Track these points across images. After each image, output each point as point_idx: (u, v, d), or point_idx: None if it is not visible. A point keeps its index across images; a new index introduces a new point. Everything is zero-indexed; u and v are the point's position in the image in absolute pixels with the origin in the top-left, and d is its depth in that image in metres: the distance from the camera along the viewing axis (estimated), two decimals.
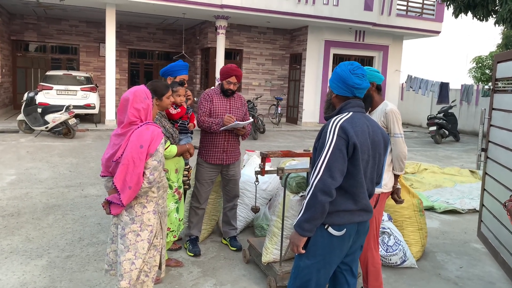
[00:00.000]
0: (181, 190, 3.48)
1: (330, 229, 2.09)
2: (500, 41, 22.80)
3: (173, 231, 3.38)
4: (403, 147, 2.93)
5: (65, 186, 5.99)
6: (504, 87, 4.14)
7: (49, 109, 10.17)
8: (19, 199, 5.28)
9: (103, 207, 2.49)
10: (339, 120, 2.07)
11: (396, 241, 3.81)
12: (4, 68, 14.78)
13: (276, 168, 2.94)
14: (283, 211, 3.23)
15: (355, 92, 2.18)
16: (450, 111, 13.64)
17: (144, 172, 2.35)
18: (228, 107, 3.82)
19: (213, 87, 3.93)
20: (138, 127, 2.40)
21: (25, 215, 4.72)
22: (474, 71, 24.16)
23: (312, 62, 15.48)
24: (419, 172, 7.88)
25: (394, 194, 3.08)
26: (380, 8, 15.13)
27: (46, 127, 9.99)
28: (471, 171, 8.02)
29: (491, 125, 4.31)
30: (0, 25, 14.14)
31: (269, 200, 4.58)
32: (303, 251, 2.13)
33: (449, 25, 52.41)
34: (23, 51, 16.86)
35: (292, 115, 16.52)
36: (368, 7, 14.70)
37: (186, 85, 3.86)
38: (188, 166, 3.66)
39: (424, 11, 16.51)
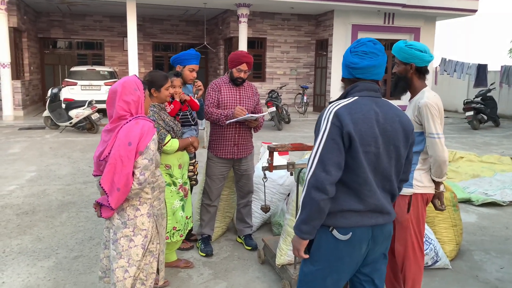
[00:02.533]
0: (187, 187, 3.25)
1: (335, 232, 1.80)
2: None
3: (179, 230, 3.15)
4: (440, 150, 2.40)
5: (82, 182, 5.92)
6: None
7: (72, 104, 10.22)
8: (36, 196, 5.23)
9: (95, 209, 2.28)
10: (335, 106, 1.77)
11: (426, 239, 3.44)
12: (32, 65, 15.07)
13: (286, 163, 2.65)
14: (296, 208, 2.94)
15: (353, 73, 1.86)
16: (488, 94, 12.81)
17: (133, 172, 2.12)
18: (238, 97, 3.54)
19: (221, 76, 3.65)
20: (127, 122, 2.17)
21: (39, 213, 4.64)
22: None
23: (339, 48, 14.89)
24: (454, 161, 7.36)
25: (436, 198, 2.63)
26: None
27: (70, 123, 10.05)
28: None
29: None
30: (27, 24, 14.39)
31: (288, 195, 4.29)
32: (306, 256, 1.86)
33: (486, 3, 49.63)
34: (51, 48, 17.15)
35: (319, 103, 16.05)
36: None
37: (195, 75, 3.61)
38: (194, 160, 3.42)
39: None
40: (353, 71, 1.85)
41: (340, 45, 14.89)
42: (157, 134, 2.89)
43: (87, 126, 10.16)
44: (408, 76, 2.52)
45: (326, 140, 1.71)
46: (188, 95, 3.33)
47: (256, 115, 3.38)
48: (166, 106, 3.14)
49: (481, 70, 13.86)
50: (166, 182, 3.06)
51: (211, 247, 3.65)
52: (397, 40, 16.06)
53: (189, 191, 3.31)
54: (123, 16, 16.03)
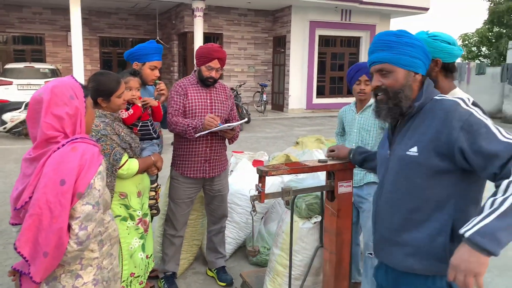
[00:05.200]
0: (148, 219, 2.55)
1: None
2: (487, 17, 22.19)
3: (138, 276, 2.46)
4: None
5: None
6: None
7: (7, 107, 9.00)
8: None
9: (12, 278, 1.55)
10: (469, 101, 1.42)
11: None
12: None
13: (281, 190, 2.04)
14: (291, 243, 2.34)
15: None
16: None
17: (69, 226, 1.42)
18: (208, 101, 2.87)
19: (187, 76, 2.97)
20: (59, 148, 1.46)
21: None
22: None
23: (297, 44, 14.51)
24: None
25: None
26: None
27: (4, 128, 8.83)
28: None
29: None
30: None
31: (265, 214, 3.69)
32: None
33: (437, 2, 51.90)
34: None
35: (278, 102, 15.60)
36: None
37: (158, 74, 2.91)
38: (156, 184, 2.72)
39: None
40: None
41: (298, 42, 14.52)
42: (111, 153, 2.18)
43: (24, 131, 8.95)
44: (433, 75, 2.00)
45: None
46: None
47: (233, 123, 2.73)
48: (122, 111, 2.43)
49: None
50: (121, 216, 2.36)
51: (177, 287, 2.97)
52: (354, 37, 16.06)
53: (150, 223, 2.61)
54: (66, 8, 14.66)
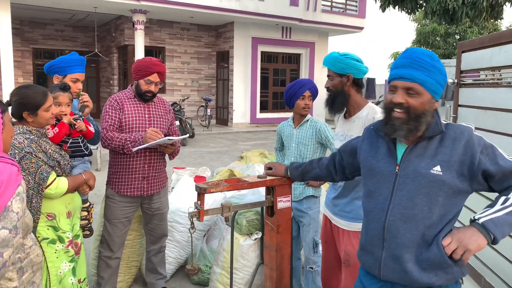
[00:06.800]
0: (80, 241, 2.40)
1: None
2: (414, 37, 23.91)
3: None
4: None
5: None
6: (481, 80, 3.62)
7: None
8: None
9: None
10: (472, 125, 1.56)
11: None
12: None
13: (220, 206, 2.00)
14: (231, 260, 2.30)
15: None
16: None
17: None
18: (147, 116, 2.78)
19: (123, 90, 2.85)
20: None
21: None
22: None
23: (240, 60, 14.70)
24: None
25: None
26: (305, 4, 14.80)
27: None
28: None
29: None
30: None
31: (207, 231, 3.62)
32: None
33: (370, 22, 55.43)
34: None
35: (222, 116, 15.61)
36: (294, 2, 14.30)
37: (80, 87, 2.76)
38: (88, 204, 2.56)
39: (348, 7, 16.57)
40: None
41: (241, 57, 14.71)
42: (37, 172, 2.04)
43: None
44: (345, 89, 2.21)
45: None
46: (77, 116, 2.47)
47: (174, 137, 2.66)
48: (48, 129, 2.28)
49: (370, 83, 14.84)
50: (48, 238, 2.19)
51: None
52: (294, 54, 16.54)
53: (82, 245, 2.45)
54: None
